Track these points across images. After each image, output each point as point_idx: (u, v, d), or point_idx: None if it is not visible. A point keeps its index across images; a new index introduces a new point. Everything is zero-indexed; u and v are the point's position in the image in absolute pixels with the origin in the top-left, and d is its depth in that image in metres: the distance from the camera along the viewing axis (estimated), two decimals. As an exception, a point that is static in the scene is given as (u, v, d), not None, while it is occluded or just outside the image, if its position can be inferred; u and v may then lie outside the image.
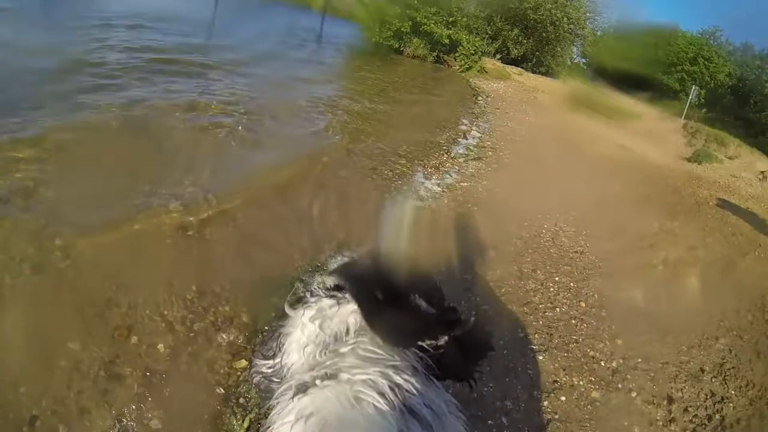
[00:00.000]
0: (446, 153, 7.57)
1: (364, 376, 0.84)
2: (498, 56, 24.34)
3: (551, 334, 3.75)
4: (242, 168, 5.14)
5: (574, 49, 31.03)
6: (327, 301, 1.01)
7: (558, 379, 3.26)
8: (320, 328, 0.96)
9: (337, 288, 1.04)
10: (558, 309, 4.13)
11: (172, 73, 7.20)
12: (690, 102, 23.50)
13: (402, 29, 19.91)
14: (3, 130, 4.28)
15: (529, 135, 10.34)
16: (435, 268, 3.62)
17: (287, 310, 1.03)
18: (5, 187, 3.59)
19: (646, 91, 23.78)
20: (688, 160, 11.72)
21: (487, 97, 14.95)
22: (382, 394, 0.81)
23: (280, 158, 5.65)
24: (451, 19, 20.04)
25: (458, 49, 20.16)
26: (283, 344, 1.00)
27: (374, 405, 0.79)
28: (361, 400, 0.80)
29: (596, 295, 4.48)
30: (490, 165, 7.39)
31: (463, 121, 10.40)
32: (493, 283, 4.18)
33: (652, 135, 13.43)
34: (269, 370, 1.00)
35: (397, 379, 0.85)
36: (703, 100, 24.87)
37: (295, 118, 7.19)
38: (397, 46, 20.41)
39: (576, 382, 3.29)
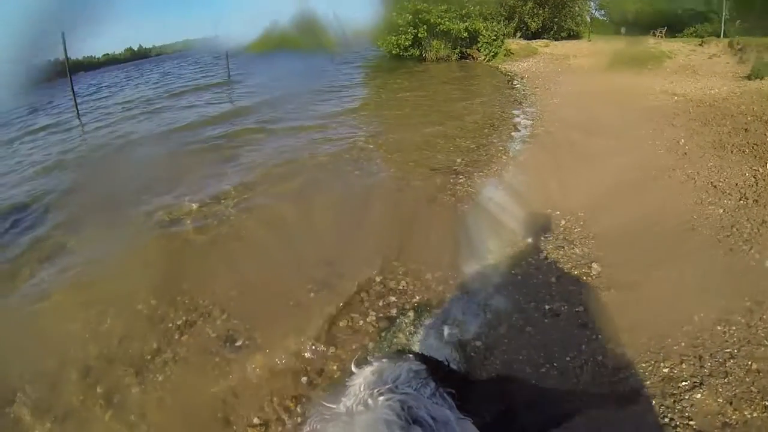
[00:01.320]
0: (504, 153, 6.99)
1: (385, 401, 0.97)
2: (518, 34, 23.51)
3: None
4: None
5: (591, 4, 29.75)
6: (386, 360, 1.19)
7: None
8: (374, 376, 1.12)
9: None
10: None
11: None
12: (725, 17, 21.79)
13: (419, 35, 19.48)
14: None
15: (578, 105, 9.54)
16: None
17: (353, 368, 1.17)
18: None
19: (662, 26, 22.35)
20: (749, 77, 10.54)
21: (522, 78, 14.20)
22: (394, 410, 0.93)
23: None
24: (463, 11, 19.40)
25: (479, 39, 19.47)
26: (347, 392, 1.10)
27: (384, 419, 0.91)
28: (377, 419, 0.92)
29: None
30: (553, 151, 6.79)
31: (509, 112, 9.79)
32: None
33: (699, 69, 12.28)
34: (329, 415, 1.06)
35: (411, 401, 0.97)
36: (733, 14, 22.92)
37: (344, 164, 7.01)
38: (418, 53, 19.96)
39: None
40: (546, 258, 4.09)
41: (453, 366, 1.39)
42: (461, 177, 6.07)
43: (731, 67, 11.72)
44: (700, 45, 14.61)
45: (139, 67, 29.79)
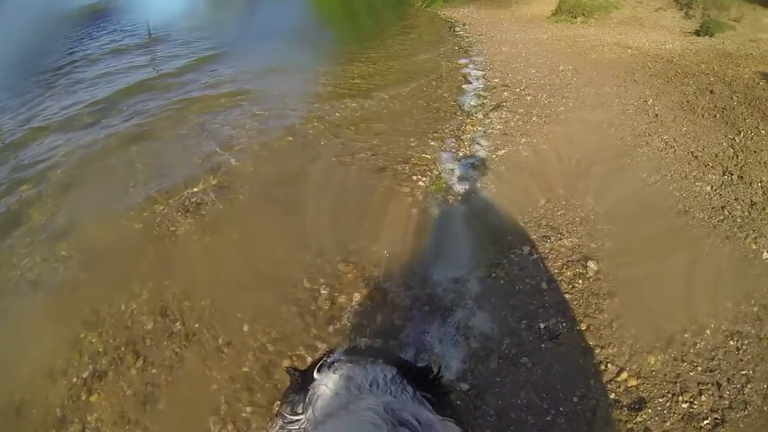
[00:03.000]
0: (459, 110, 5.98)
1: (367, 404, 0.93)
2: (456, -22, 22.18)
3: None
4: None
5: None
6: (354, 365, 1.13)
7: None
8: (344, 381, 1.07)
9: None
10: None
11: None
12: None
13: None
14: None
15: (529, 56, 8.64)
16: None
17: (316, 375, 1.12)
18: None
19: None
20: (697, 33, 10.06)
21: (463, 25, 13.06)
22: (378, 414, 0.89)
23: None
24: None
25: (415, -18, 18.06)
26: (313, 399, 1.07)
27: (371, 422, 0.87)
28: (363, 421, 0.88)
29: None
30: (515, 110, 5.84)
31: (456, 61, 8.77)
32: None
33: (646, 21, 11.70)
34: (295, 426, 1.05)
35: (394, 404, 0.94)
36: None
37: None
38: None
39: None
40: (531, 253, 3.22)
41: (424, 368, 1.24)
42: (412, 140, 5.10)
43: (677, 21, 11.12)
44: (646, -2, 14.03)
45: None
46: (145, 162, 4.94)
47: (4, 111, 6.92)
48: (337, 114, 6.04)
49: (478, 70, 7.93)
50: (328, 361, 1.15)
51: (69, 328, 3.06)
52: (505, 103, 6.05)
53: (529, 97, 6.25)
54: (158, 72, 8.38)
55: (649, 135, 4.79)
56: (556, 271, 3.03)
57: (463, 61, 8.67)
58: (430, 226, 3.61)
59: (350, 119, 5.91)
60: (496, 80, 7.18)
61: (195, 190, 4.31)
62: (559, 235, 3.34)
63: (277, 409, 1.35)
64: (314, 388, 1.07)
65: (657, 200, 3.65)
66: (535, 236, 3.36)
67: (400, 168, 4.46)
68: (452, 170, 4.35)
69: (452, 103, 6.26)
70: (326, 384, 1.07)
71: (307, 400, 1.06)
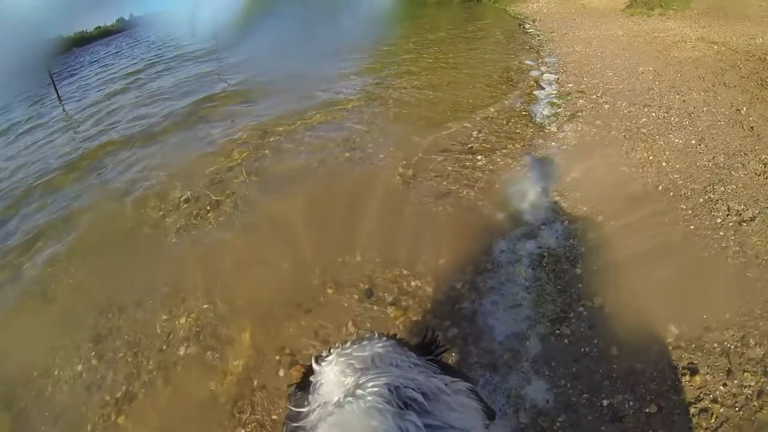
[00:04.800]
0: (529, 121, 5.49)
1: (371, 387, 0.91)
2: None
3: None
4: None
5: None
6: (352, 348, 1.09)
7: None
8: (347, 361, 1.03)
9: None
10: None
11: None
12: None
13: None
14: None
15: (605, 55, 7.97)
16: None
17: (315, 365, 1.09)
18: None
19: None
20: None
21: (533, 21, 12.41)
22: (383, 396, 0.88)
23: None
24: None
25: (483, -23, 17.33)
26: (316, 387, 1.03)
27: (376, 409, 0.86)
28: (369, 408, 0.86)
29: None
30: (591, 122, 5.34)
31: (526, 62, 8.24)
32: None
33: (731, 11, 10.52)
34: (303, 418, 1.00)
35: (399, 381, 0.92)
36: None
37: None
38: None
39: None
40: (603, 306, 2.75)
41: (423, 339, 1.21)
42: (479, 158, 4.77)
43: (766, 10, 9.99)
44: (729, -18, 12.68)
45: (130, 36, 27.01)
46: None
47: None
48: (400, 122, 5.81)
49: (551, 73, 7.42)
50: (323, 352, 1.13)
51: (108, 347, 3.10)
52: (580, 113, 5.55)
53: (606, 106, 5.71)
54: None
55: (745, 154, 4.19)
56: (630, 332, 2.56)
57: (534, 62, 8.17)
58: (491, 264, 3.24)
59: (411, 126, 5.69)
60: (571, 85, 6.66)
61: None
62: (636, 286, 2.83)
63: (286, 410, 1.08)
64: (316, 378, 1.06)
65: (756, 243, 3.13)
66: (609, 285, 2.88)
67: (464, 192, 4.16)
68: (522, 194, 3.99)
69: (524, 113, 5.83)
70: (327, 369, 1.05)
71: (311, 390, 1.04)
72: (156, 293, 3.46)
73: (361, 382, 0.94)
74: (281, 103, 7.06)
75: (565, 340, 2.59)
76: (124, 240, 4.31)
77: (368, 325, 2.87)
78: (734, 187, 3.74)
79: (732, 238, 3.17)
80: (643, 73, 6.79)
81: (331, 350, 1.10)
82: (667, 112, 5.30)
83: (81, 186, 5.57)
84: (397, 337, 1.18)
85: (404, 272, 3.23)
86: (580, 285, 2.90)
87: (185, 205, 4.60)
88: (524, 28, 11.72)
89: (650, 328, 2.54)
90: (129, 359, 2.98)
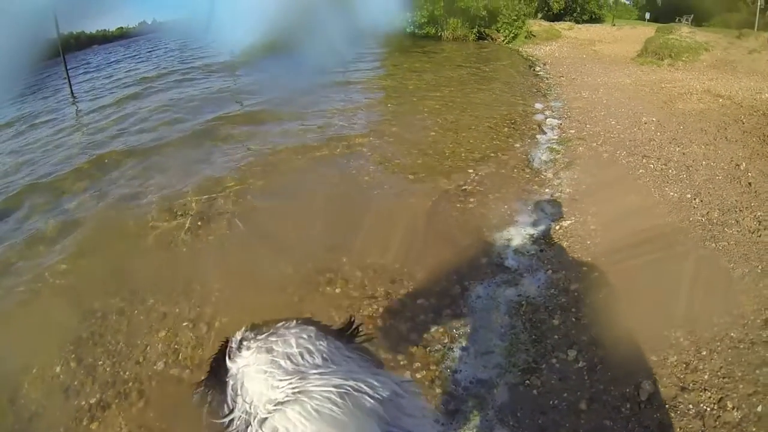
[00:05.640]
0: (527, 165, 5.51)
1: (320, 394, 0.80)
2: (540, 15, 21.52)
3: None
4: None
5: (614, -16, 27.61)
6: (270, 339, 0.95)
7: None
8: (268, 355, 0.90)
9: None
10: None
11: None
12: (759, 8, 19.66)
13: (435, 12, 17.71)
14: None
15: (610, 103, 8.03)
16: None
17: (229, 363, 0.92)
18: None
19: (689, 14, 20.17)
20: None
21: (544, 65, 12.59)
22: (336, 405, 0.78)
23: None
24: (483, -13, 17.54)
25: (499, 19, 17.65)
26: (238, 388, 0.88)
27: (330, 416, 0.77)
28: (321, 416, 0.77)
29: None
30: (588, 171, 5.32)
31: (532, 106, 8.30)
32: None
33: (739, 66, 10.57)
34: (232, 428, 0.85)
35: (347, 384, 0.82)
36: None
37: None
38: (434, 32, 18.23)
39: None
40: (576, 360, 2.65)
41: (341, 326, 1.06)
42: (471, 200, 4.76)
43: (780, 66, 10.04)
44: (738, 38, 12.80)
45: (149, 40, 27.76)
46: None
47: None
48: (397, 160, 5.83)
49: (555, 118, 7.47)
50: (233, 345, 0.95)
51: (89, 352, 3.08)
52: (578, 161, 5.55)
53: (606, 155, 5.70)
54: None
55: (740, 210, 4.14)
56: (602, 387, 2.48)
57: (539, 106, 8.25)
58: (467, 308, 3.18)
59: (409, 165, 5.71)
60: (572, 131, 6.69)
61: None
62: (614, 341, 2.75)
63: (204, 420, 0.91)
64: (233, 378, 0.90)
65: (743, 303, 3.04)
66: (585, 338, 2.80)
67: (452, 234, 4.12)
68: (509, 240, 3.96)
69: (523, 157, 5.84)
70: (245, 365, 0.90)
71: (230, 392, 0.88)
72: (141, 305, 3.44)
73: (301, 385, 0.82)
74: (288, 133, 7.10)
75: (534, 391, 2.51)
76: (117, 249, 4.32)
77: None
78: (725, 244, 3.68)
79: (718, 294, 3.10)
80: (646, 123, 6.81)
81: (243, 341, 0.94)
82: (665, 164, 5.28)
83: (82, 193, 5.57)
84: (314, 320, 1.03)
85: (380, 310, 3.19)
86: (556, 336, 2.83)
87: (181, 219, 4.59)
88: (535, 70, 11.88)
89: (623, 384, 2.46)
90: (107, 368, 2.95)
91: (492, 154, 5.93)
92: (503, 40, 17.32)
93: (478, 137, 6.67)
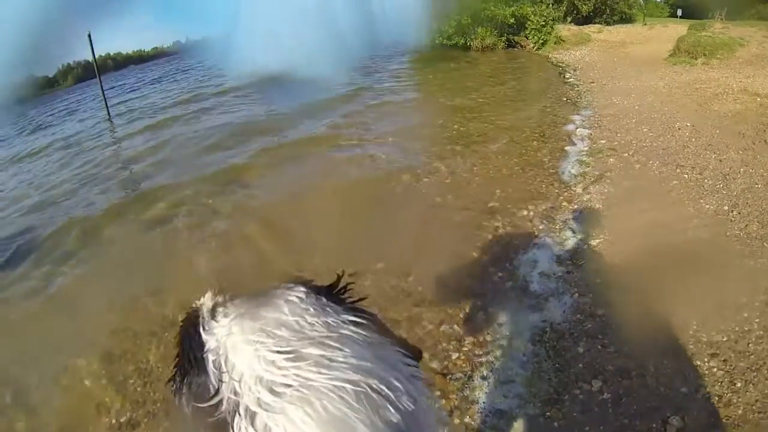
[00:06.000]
0: (555, 180, 5.39)
1: (329, 389, 0.66)
2: (569, 19, 21.13)
3: None
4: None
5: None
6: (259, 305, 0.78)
7: None
8: (253, 321, 0.74)
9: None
10: None
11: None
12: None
13: (463, 22, 17.63)
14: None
15: (643, 109, 7.79)
16: None
17: (203, 334, 0.76)
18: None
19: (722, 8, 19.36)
20: None
21: (574, 70, 12.34)
22: (351, 409, 0.65)
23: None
24: (509, -6, 17.40)
25: (527, 26, 17.45)
26: (220, 363, 0.72)
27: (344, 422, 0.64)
28: (334, 421, 0.64)
29: None
30: (619, 184, 5.14)
31: (562, 115, 8.14)
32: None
33: None
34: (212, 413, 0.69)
35: (359, 380, 0.68)
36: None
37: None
38: (462, 42, 18.14)
39: None
40: (601, 391, 2.54)
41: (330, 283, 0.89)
42: (498, 218, 4.68)
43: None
44: (774, 30, 12.26)
45: (184, 60, 28.58)
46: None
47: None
48: (426, 179, 5.82)
49: (585, 128, 7.30)
50: (204, 313, 0.80)
51: (121, 371, 3.19)
52: (609, 173, 5.39)
53: (637, 166, 5.53)
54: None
55: (782, 222, 3.95)
56: (626, 422, 2.37)
57: (569, 116, 8.06)
58: (490, 335, 3.13)
59: (437, 183, 5.68)
60: (603, 141, 6.52)
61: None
62: (641, 371, 2.65)
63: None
64: (213, 352, 0.74)
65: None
66: (611, 368, 2.69)
67: (475, 255, 4.07)
68: (534, 262, 3.87)
69: (551, 170, 5.73)
70: (227, 335, 0.74)
71: (213, 369, 0.72)
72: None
73: (305, 375, 0.68)
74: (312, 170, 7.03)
75: (555, 424, 2.43)
76: (149, 271, 4.48)
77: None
78: (765, 261, 3.50)
79: (756, 320, 2.94)
80: (679, 128, 6.58)
81: (217, 308, 0.80)
82: (700, 174, 5.09)
83: (121, 227, 5.74)
84: (304, 279, 0.87)
85: (402, 335, 3.17)
86: (581, 365, 2.74)
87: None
88: (564, 77, 11.65)
89: (650, 419, 2.36)
90: (138, 388, 3.05)
91: (519, 170, 5.84)
92: (532, 47, 17.08)
93: (506, 150, 6.60)
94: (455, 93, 10.89)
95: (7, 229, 6.06)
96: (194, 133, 9.81)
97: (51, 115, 16.61)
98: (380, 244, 4.32)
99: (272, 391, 0.66)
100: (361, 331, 0.77)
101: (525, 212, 4.74)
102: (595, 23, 20.65)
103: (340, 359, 0.69)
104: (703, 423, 2.30)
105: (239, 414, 0.67)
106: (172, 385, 0.79)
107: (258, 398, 0.66)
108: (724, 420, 2.30)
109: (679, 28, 15.04)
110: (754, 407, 2.33)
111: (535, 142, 6.87)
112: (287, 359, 0.68)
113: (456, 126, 8.03)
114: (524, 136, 7.15)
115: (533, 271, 3.74)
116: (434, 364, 2.92)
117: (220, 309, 0.80)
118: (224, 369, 0.71)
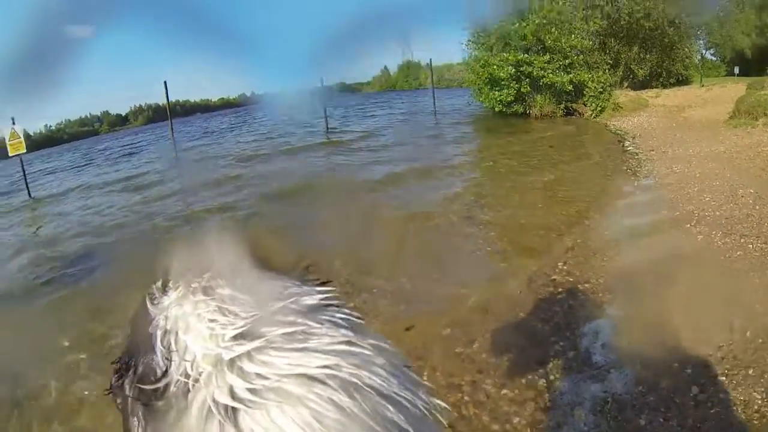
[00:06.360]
0: (617, 256, 5.62)
1: (325, 382, 0.51)
2: (625, 84, 21.43)
3: None
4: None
5: (700, 43, 26.87)
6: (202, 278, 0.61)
7: None
8: (215, 301, 0.57)
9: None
10: None
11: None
12: None
13: (522, 89, 18.29)
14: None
15: (704, 176, 7.85)
16: None
17: (150, 307, 0.61)
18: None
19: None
20: None
21: (633, 138, 12.52)
22: (356, 406, 0.50)
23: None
24: (567, 61, 17.96)
25: (585, 92, 17.87)
26: (172, 346, 0.56)
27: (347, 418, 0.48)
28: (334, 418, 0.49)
29: None
30: (682, 261, 5.31)
31: (620, 186, 8.37)
32: None
33: None
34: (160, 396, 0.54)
35: (352, 371, 0.52)
36: None
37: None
38: (521, 110, 18.76)
39: None
40: None
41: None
42: (560, 290, 4.94)
43: None
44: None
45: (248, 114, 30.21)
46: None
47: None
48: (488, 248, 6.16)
49: (646, 197, 7.47)
50: (155, 287, 0.65)
51: None
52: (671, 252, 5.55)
53: (700, 237, 5.64)
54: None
55: None
56: None
57: (629, 188, 8.24)
58: (551, 402, 3.33)
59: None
60: (665, 212, 6.68)
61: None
62: None
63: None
64: (161, 329, 0.59)
65: None
66: None
67: (539, 327, 4.32)
68: (597, 333, 4.09)
69: (612, 245, 5.95)
70: (178, 313, 0.59)
71: (161, 348, 0.57)
72: None
73: (285, 363, 0.53)
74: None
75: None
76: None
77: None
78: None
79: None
80: (742, 196, 6.66)
81: (167, 282, 0.64)
82: (765, 243, 5.17)
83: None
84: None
85: (465, 398, 3.46)
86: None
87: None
88: (623, 145, 11.85)
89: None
90: None
91: (581, 243, 6.08)
92: (590, 114, 17.41)
93: (567, 221, 6.86)
94: (516, 162, 11.33)
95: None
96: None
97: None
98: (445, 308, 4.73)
99: (245, 380, 0.52)
100: (340, 315, 0.61)
101: (587, 285, 4.95)
102: (651, 87, 20.77)
103: (324, 341, 0.55)
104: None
105: (210, 408, 0.51)
106: (116, 365, 0.66)
107: (231, 388, 0.52)
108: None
109: (737, 88, 15.00)
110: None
111: (596, 215, 7.09)
112: (251, 340, 0.54)
113: (517, 195, 8.42)
114: (584, 207, 7.40)
115: (596, 341, 3.95)
116: (494, 427, 3.19)
117: (171, 283, 0.65)
118: (173, 348, 0.57)
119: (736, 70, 21.06)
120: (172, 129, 17.10)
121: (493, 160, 12.15)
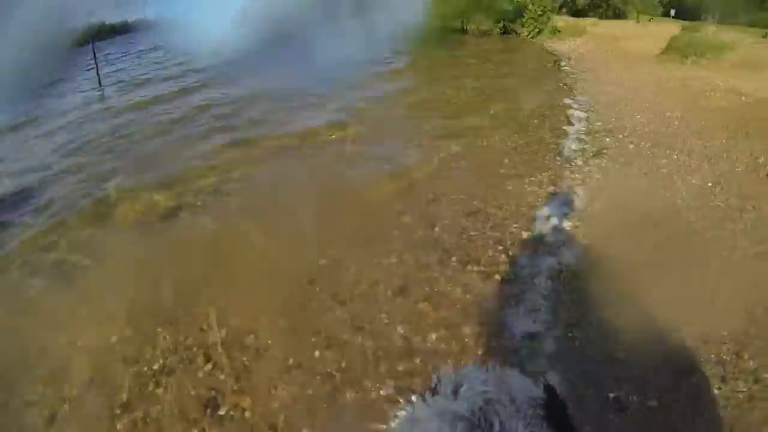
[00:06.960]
0: (558, 154, 5.94)
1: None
2: (564, 10, 21.61)
3: None
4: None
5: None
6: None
7: None
8: None
9: None
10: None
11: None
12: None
13: (462, 7, 17.95)
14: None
15: (635, 99, 8.31)
16: None
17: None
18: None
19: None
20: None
21: (569, 59, 12.83)
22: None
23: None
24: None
25: (525, 14, 17.84)
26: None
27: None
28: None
29: None
30: (615, 159, 5.65)
31: (557, 99, 8.68)
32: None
33: (762, 64, 10.59)
34: None
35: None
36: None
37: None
38: (460, 26, 18.49)
39: None
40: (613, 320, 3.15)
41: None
42: (509, 183, 5.17)
43: (799, 65, 10.22)
44: (764, 37, 12.90)
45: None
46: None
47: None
48: (436, 157, 6.23)
49: (582, 111, 7.82)
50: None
51: (147, 322, 3.32)
52: (606, 151, 5.93)
53: (631, 146, 6.07)
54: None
55: (757, 198, 4.52)
56: None
57: (566, 100, 8.55)
58: (514, 275, 3.64)
59: (445, 161, 6.07)
60: (599, 124, 7.05)
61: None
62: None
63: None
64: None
65: (762, 279, 3.42)
66: (617, 298, 3.18)
67: (493, 212, 4.56)
68: (547, 218, 4.38)
69: (552, 146, 6.24)
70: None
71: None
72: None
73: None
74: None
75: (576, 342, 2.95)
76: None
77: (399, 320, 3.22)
78: (743, 226, 4.06)
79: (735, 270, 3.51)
80: (669, 118, 7.14)
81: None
82: (688, 156, 5.64)
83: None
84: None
85: (435, 275, 3.63)
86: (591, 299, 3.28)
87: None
88: (560, 65, 12.14)
89: (652, 333, 2.87)
90: (167, 336, 3.20)
91: (523, 144, 6.36)
92: (527, 35, 17.51)
93: (510, 126, 7.09)
94: (455, 75, 11.29)
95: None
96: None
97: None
98: (394, 208, 4.81)
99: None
100: None
101: (533, 179, 5.25)
102: (589, 16, 21.13)
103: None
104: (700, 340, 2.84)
105: None
106: None
107: None
108: (712, 338, 2.85)
109: (671, 28, 15.61)
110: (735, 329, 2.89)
111: (536, 121, 7.38)
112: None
113: (461, 104, 8.50)
114: (526, 115, 7.65)
115: (546, 225, 4.27)
116: (468, 297, 3.44)
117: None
118: None
119: (673, 11, 21.70)
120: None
121: (435, 71, 12.07)
